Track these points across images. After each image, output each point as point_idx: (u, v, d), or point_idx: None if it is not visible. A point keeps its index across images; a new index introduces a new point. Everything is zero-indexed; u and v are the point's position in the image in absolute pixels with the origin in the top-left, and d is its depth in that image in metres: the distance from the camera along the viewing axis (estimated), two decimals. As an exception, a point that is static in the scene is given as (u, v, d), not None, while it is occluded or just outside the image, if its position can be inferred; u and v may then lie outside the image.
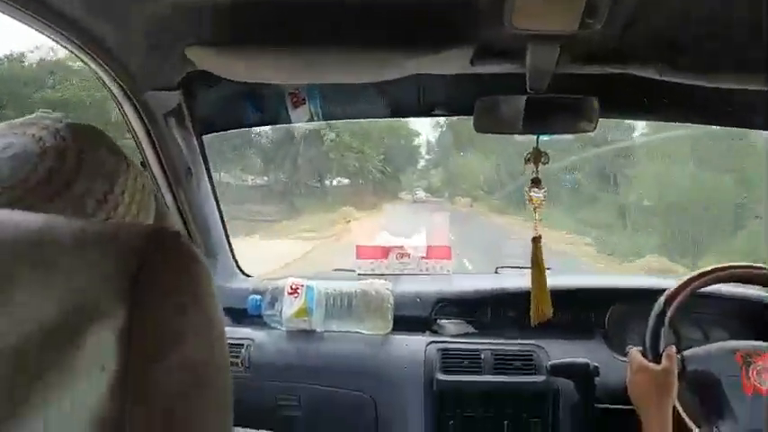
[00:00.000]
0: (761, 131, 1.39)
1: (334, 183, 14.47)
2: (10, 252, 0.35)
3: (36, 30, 0.79)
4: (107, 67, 0.92)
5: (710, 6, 0.80)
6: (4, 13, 0.72)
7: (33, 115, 0.55)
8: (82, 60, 0.89)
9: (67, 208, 0.49)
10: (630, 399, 1.12)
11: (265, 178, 12.00)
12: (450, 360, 1.33)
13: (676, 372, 1.09)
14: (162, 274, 0.37)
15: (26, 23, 0.76)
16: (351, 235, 9.58)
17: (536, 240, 1.21)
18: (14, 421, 0.32)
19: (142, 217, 0.58)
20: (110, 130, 0.59)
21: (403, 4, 0.84)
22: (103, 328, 0.34)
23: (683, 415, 1.07)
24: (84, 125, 0.55)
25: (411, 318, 1.46)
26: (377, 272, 1.68)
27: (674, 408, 1.06)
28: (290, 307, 1.37)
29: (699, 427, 1.08)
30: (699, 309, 1.30)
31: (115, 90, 0.99)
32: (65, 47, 0.84)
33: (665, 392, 1.06)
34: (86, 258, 0.36)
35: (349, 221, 10.92)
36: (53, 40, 0.81)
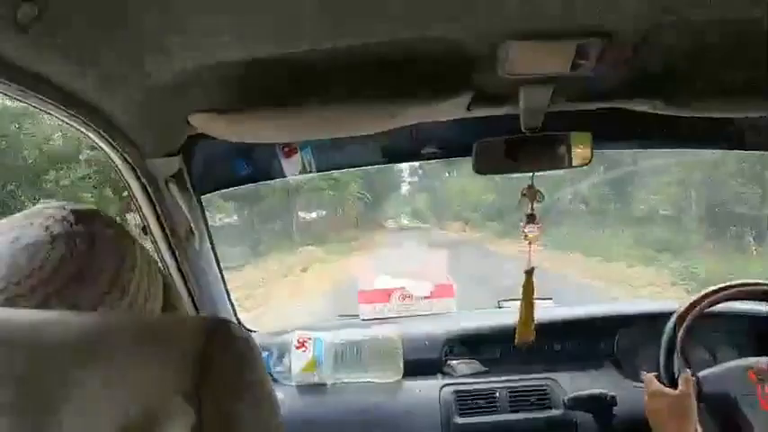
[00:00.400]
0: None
1: (310, 216, 13.87)
2: (69, 355, 0.34)
3: (33, 105, 0.79)
4: (110, 140, 0.92)
5: (701, 41, 0.83)
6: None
7: (35, 207, 0.55)
8: (83, 133, 0.88)
9: (84, 291, 0.49)
10: (651, 425, 1.11)
11: (235, 217, 11.41)
12: (466, 401, 1.32)
13: (694, 395, 1.09)
14: (226, 371, 0.37)
15: (22, 99, 0.75)
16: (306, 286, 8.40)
17: (529, 273, 1.23)
18: None
19: (153, 290, 0.58)
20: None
21: (399, 58, 0.86)
22: (173, 430, 0.33)
23: None
24: (87, 208, 0.56)
25: (421, 361, 1.44)
26: (380, 316, 1.67)
27: (696, 431, 1.06)
28: (298, 361, 1.35)
29: None
30: (706, 329, 1.32)
31: (117, 160, 0.98)
32: (66, 121, 0.83)
33: (686, 417, 1.06)
34: (147, 358, 0.35)
35: (305, 270, 9.53)
36: (53, 114, 0.81)
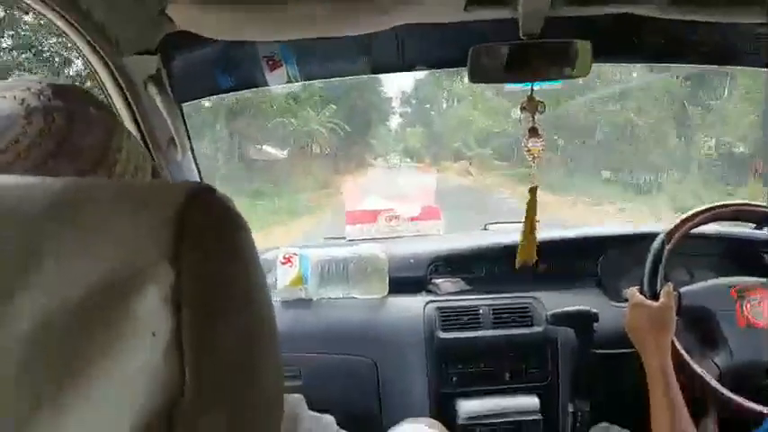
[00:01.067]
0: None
1: (269, 153, 12.03)
2: (44, 218, 0.32)
3: None
4: (84, 33, 0.85)
5: None
6: None
7: (10, 79, 0.51)
8: (56, 25, 0.81)
9: (64, 168, 0.47)
10: (629, 335, 1.14)
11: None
12: (449, 318, 1.34)
13: (674, 307, 1.12)
14: (206, 233, 0.36)
15: None
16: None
17: (532, 190, 1.20)
18: (61, 397, 0.29)
19: (140, 176, 0.55)
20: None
21: None
22: (150, 293, 0.32)
23: (681, 348, 1.10)
24: (67, 85, 0.52)
25: (406, 279, 1.45)
26: (367, 236, 1.66)
27: (672, 342, 1.09)
28: (284, 277, 1.35)
29: (695, 359, 1.11)
30: (686, 249, 1.33)
31: (91, 57, 0.91)
32: (38, 11, 0.77)
33: (664, 328, 1.09)
34: (125, 219, 0.34)
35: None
36: (30, 5, 0.74)
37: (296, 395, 0.74)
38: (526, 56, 1.03)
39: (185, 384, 0.33)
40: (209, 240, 0.35)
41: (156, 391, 0.32)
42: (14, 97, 0.48)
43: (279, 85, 1.39)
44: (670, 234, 1.19)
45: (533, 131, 1.10)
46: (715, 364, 1.13)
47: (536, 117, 1.09)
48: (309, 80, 1.45)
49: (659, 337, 1.08)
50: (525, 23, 0.98)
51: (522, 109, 1.09)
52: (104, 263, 0.32)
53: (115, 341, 0.31)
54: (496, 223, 1.76)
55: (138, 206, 0.34)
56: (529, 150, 1.12)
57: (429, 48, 1.34)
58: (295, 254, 1.36)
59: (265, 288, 0.40)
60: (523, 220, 1.21)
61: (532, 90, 1.08)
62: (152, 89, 1.03)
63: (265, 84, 1.37)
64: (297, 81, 1.39)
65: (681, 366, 1.08)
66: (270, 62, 1.34)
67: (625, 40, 1.17)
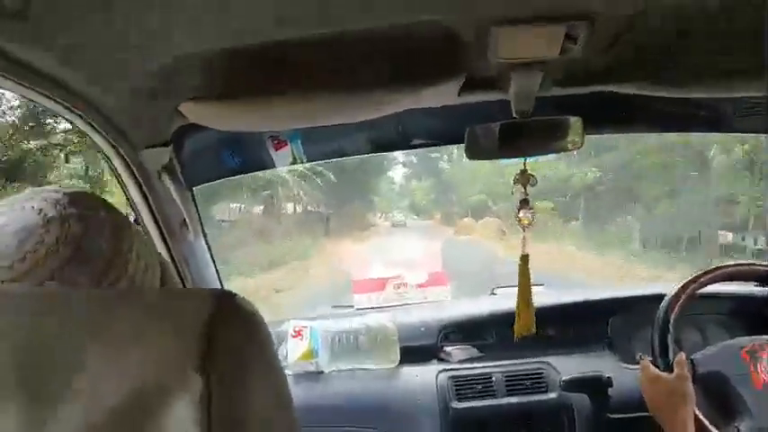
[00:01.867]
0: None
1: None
2: (81, 329, 0.34)
3: (24, 95, 0.78)
4: (101, 131, 0.91)
5: (688, 21, 0.84)
6: None
7: (27, 191, 0.55)
8: (72, 124, 0.88)
9: (80, 272, 0.49)
10: (650, 411, 1.12)
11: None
12: (463, 386, 1.33)
13: (690, 377, 1.10)
14: (235, 339, 0.37)
15: (13, 89, 0.75)
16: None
17: (524, 259, 1.23)
18: None
19: (150, 273, 0.58)
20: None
21: (389, 43, 0.86)
22: (182, 402, 0.33)
23: (704, 420, 1.07)
24: (80, 192, 0.55)
25: (417, 348, 1.46)
26: (375, 305, 1.68)
27: (695, 413, 1.07)
28: (295, 350, 1.35)
29: (718, 427, 1.08)
30: (695, 310, 1.34)
31: (108, 151, 0.98)
32: (56, 112, 0.83)
33: (684, 400, 1.07)
34: (154, 332, 0.35)
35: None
36: (45, 106, 0.80)
37: None
38: (519, 133, 1.08)
39: None
40: (237, 347, 0.37)
41: None
42: (32, 207, 0.51)
43: (284, 165, 1.46)
44: (674, 298, 1.20)
45: (524, 203, 1.15)
46: (738, 429, 1.11)
47: (527, 189, 1.14)
48: (314, 160, 1.52)
49: (680, 410, 1.06)
50: (517, 104, 1.05)
51: (516, 181, 1.14)
52: (135, 376, 0.33)
53: None
54: (504, 287, 1.77)
55: (165, 316, 0.36)
56: (520, 221, 1.16)
57: (428, 126, 1.41)
58: (305, 327, 1.38)
59: (289, 392, 0.42)
60: (517, 291, 1.23)
61: (525, 164, 1.13)
62: (165, 178, 1.09)
63: (272, 164, 1.43)
64: (302, 161, 1.45)
65: None
66: (275, 142, 1.41)
67: (614, 114, 1.23)
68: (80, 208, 0.52)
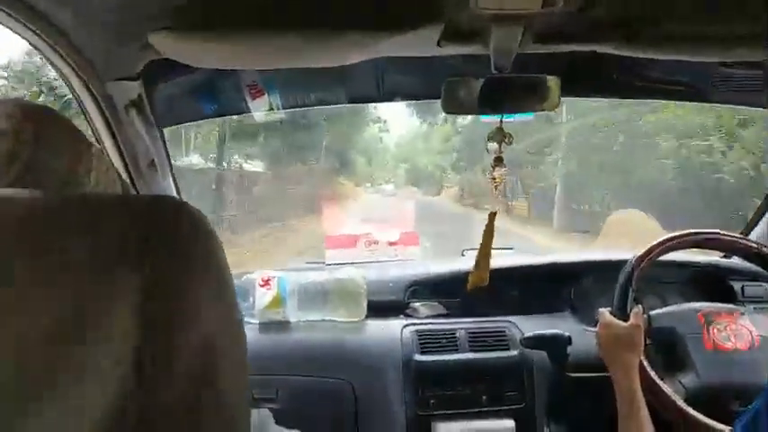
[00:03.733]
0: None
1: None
2: (11, 230, 0.33)
3: None
4: (66, 58, 0.87)
5: None
6: None
7: None
8: (38, 50, 0.84)
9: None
10: (600, 353, 1.18)
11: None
12: (427, 341, 1.35)
13: (643, 328, 1.16)
14: (173, 243, 0.36)
15: None
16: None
17: (491, 216, 1.24)
18: (39, 408, 0.30)
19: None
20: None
21: None
22: (121, 304, 0.33)
23: (649, 368, 1.13)
24: (36, 104, 0.52)
25: (384, 303, 1.47)
26: (346, 261, 1.68)
27: (641, 362, 1.12)
28: (262, 299, 1.36)
29: (663, 379, 1.15)
30: (658, 276, 1.38)
31: (74, 82, 0.94)
32: (21, 36, 0.79)
33: (633, 347, 1.13)
34: (94, 231, 0.34)
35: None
36: (11, 29, 0.76)
37: (264, 410, 0.74)
38: (497, 89, 1.08)
39: (143, 395, 0.33)
40: (176, 254, 0.36)
41: (115, 396, 0.32)
42: None
43: (261, 112, 1.43)
44: (640, 259, 1.24)
45: (498, 160, 1.15)
46: (682, 385, 1.16)
47: (502, 147, 1.14)
48: (291, 108, 1.50)
49: (628, 357, 1.11)
50: (496, 59, 1.04)
51: (490, 139, 1.14)
52: (78, 278, 0.33)
53: (93, 356, 0.32)
54: (474, 249, 1.79)
55: (106, 221, 0.35)
56: (494, 179, 1.16)
57: (407, 80, 1.40)
58: (273, 276, 1.38)
59: (233, 302, 0.41)
60: (474, 248, 1.24)
61: (501, 122, 1.12)
62: (133, 114, 1.06)
63: (248, 110, 1.41)
64: (279, 109, 1.43)
65: (649, 386, 1.11)
66: (252, 90, 1.38)
67: (593, 77, 1.23)
68: (34, 123, 0.49)
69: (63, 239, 0.34)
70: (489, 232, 1.23)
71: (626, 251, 1.40)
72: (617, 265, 1.30)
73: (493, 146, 1.18)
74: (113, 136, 1.06)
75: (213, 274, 0.39)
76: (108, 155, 1.09)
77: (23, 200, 0.36)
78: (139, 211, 0.36)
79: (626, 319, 1.18)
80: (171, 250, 0.36)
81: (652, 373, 1.13)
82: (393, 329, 1.38)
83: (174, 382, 0.35)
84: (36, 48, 0.83)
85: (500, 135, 1.16)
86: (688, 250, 1.39)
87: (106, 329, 0.33)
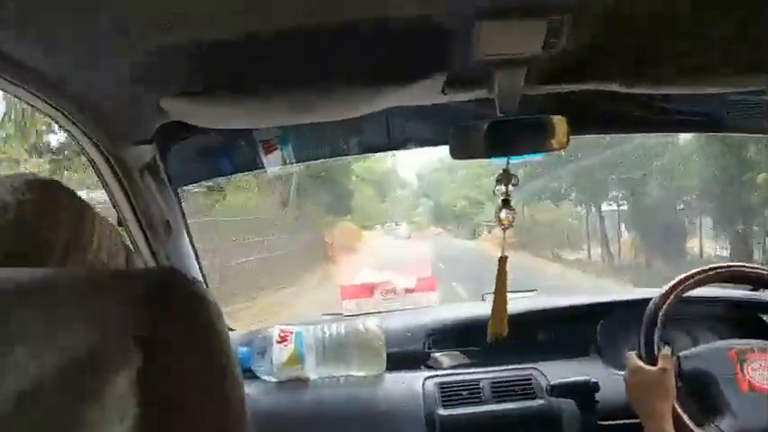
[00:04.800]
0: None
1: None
2: (13, 306, 0.33)
3: (3, 89, 0.77)
4: (80, 126, 0.90)
5: (674, 16, 0.84)
6: None
7: None
8: (52, 118, 0.87)
9: (33, 261, 0.47)
10: (630, 401, 1.12)
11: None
12: (450, 393, 1.31)
13: (673, 372, 1.10)
14: (173, 318, 0.36)
15: None
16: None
17: (502, 260, 1.21)
18: None
19: (112, 264, 0.56)
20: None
21: (372, 40, 0.86)
22: (121, 378, 0.32)
23: (683, 415, 1.07)
24: (42, 178, 0.54)
25: (404, 354, 1.44)
26: (364, 311, 1.66)
27: (674, 409, 1.06)
28: (280, 356, 1.33)
29: (699, 425, 1.08)
30: (686, 313, 1.32)
31: (89, 148, 0.97)
32: (36, 107, 0.82)
33: (664, 393, 1.07)
34: (95, 307, 0.34)
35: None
36: (23, 99, 0.79)
37: None
38: (504, 132, 1.08)
39: None
40: (178, 329, 0.36)
41: None
42: None
43: (275, 167, 1.45)
44: (663, 298, 1.20)
45: (506, 203, 1.14)
46: (720, 429, 1.09)
47: (509, 189, 1.13)
48: (304, 161, 1.52)
49: (659, 403, 1.05)
50: (502, 103, 1.05)
51: (498, 181, 1.13)
52: (75, 349, 0.32)
53: (85, 427, 0.31)
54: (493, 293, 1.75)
55: (108, 293, 0.35)
56: (501, 221, 1.15)
57: (418, 127, 1.42)
58: (291, 332, 1.36)
59: (235, 378, 0.40)
60: (493, 292, 1.21)
61: (508, 163, 1.12)
62: (147, 177, 1.08)
63: (262, 166, 1.43)
64: (292, 163, 1.45)
65: None
66: (266, 146, 1.41)
67: (600, 113, 1.23)
68: (38, 195, 0.51)
69: (71, 307, 0.34)
70: (502, 279, 1.20)
71: (650, 290, 1.36)
72: (643, 304, 1.25)
73: (500, 188, 1.17)
74: (129, 199, 1.08)
75: (226, 349, 0.38)
76: (124, 218, 1.11)
77: (20, 278, 0.36)
78: (145, 291, 0.36)
79: (654, 362, 1.12)
80: (175, 331, 0.35)
81: (686, 419, 1.06)
82: (414, 383, 1.34)
83: None
84: (49, 116, 0.86)
85: (507, 177, 1.15)
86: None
87: (104, 395, 0.32)
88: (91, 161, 1.01)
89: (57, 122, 0.89)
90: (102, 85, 0.87)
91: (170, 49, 0.82)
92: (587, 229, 13.58)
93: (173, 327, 0.36)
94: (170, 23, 0.76)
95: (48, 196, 0.52)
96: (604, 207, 12.92)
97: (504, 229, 1.15)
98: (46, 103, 0.82)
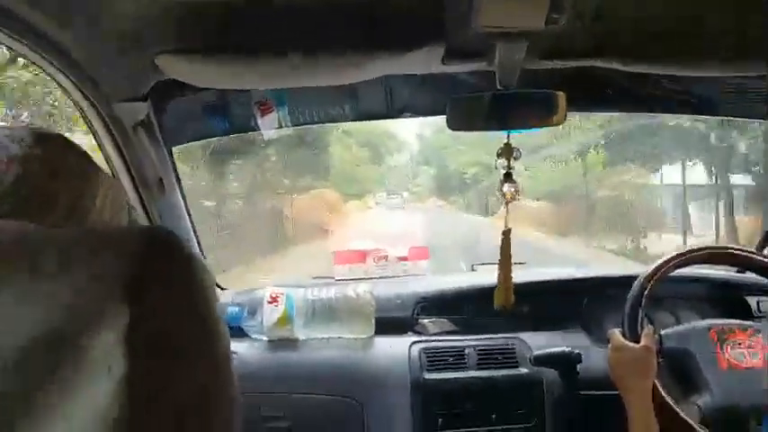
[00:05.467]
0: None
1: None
2: (3, 260, 0.34)
3: None
4: (74, 80, 0.89)
5: (672, 1, 0.83)
6: None
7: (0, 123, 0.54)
8: (46, 72, 0.86)
9: (36, 216, 0.47)
10: (612, 378, 1.15)
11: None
12: (435, 358, 1.34)
13: (655, 350, 1.13)
14: (162, 276, 0.37)
15: None
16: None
17: (506, 233, 1.22)
18: (17, 428, 0.31)
19: (114, 224, 0.57)
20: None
21: (372, 6, 0.84)
22: (108, 331, 0.33)
23: (663, 391, 1.10)
24: (48, 132, 0.54)
25: (393, 319, 1.46)
26: (355, 276, 1.68)
27: (654, 385, 1.09)
28: (270, 316, 1.35)
29: (677, 402, 1.11)
30: (671, 292, 1.35)
31: (82, 102, 0.96)
32: (28, 58, 0.81)
33: (645, 370, 1.10)
34: (82, 263, 0.35)
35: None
36: (15, 51, 0.78)
37: None
38: (503, 105, 1.07)
39: (134, 425, 0.33)
40: (167, 286, 0.37)
41: (106, 426, 0.33)
42: None
43: (271, 129, 1.44)
44: (649, 277, 1.21)
45: (508, 176, 1.14)
46: (697, 406, 1.13)
47: (511, 162, 1.13)
48: (300, 125, 1.50)
49: (640, 381, 1.08)
50: (502, 75, 1.04)
51: (499, 155, 1.13)
52: (62, 305, 0.33)
53: (72, 377, 0.32)
54: (484, 264, 1.77)
55: (95, 252, 0.36)
56: (504, 195, 1.15)
57: (417, 96, 1.40)
58: (281, 293, 1.38)
59: (222, 337, 0.41)
60: (498, 263, 1.23)
61: (509, 137, 1.12)
62: (141, 134, 1.07)
63: (257, 128, 1.42)
64: (288, 126, 1.44)
65: (662, 409, 1.08)
66: (262, 107, 1.39)
67: (599, 91, 1.23)
68: (44, 150, 0.51)
69: (59, 265, 0.35)
70: (506, 251, 1.21)
71: (637, 267, 1.38)
72: (630, 281, 1.27)
73: (502, 162, 1.17)
74: (122, 156, 1.08)
75: (202, 313, 0.39)
76: (117, 175, 1.11)
77: (17, 229, 0.37)
78: (131, 247, 0.36)
79: (637, 340, 1.14)
80: (161, 286, 0.36)
81: (666, 396, 1.10)
82: (401, 347, 1.37)
83: (163, 413, 0.35)
84: (42, 68, 0.85)
85: (508, 151, 1.15)
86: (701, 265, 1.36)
87: (91, 349, 0.33)
88: (83, 115, 1.00)
89: (50, 75, 0.87)
90: (96, 42, 0.86)
91: (166, 7, 0.80)
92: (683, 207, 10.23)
93: (162, 285, 0.37)
94: None
95: (54, 152, 0.51)
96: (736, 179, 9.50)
97: (506, 203, 1.16)
98: (40, 55, 0.81)
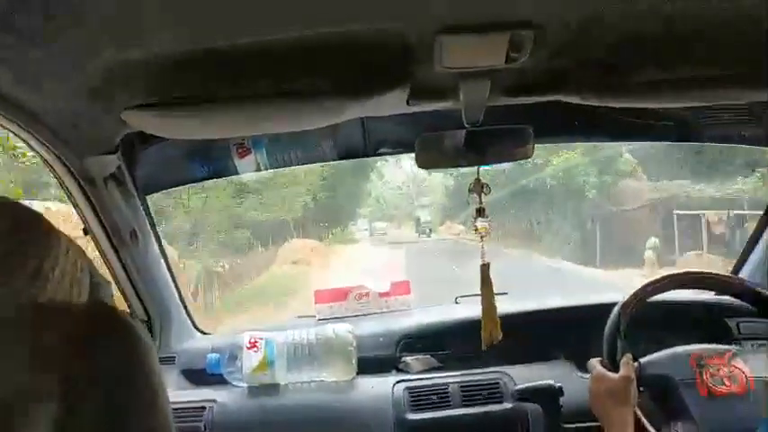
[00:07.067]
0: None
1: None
2: None
3: None
4: (42, 140, 0.89)
5: (633, 32, 0.86)
6: None
7: None
8: (10, 131, 0.86)
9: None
10: (592, 409, 1.13)
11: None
12: (419, 398, 1.32)
13: (634, 378, 1.11)
14: (102, 353, 0.36)
15: None
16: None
17: (484, 268, 1.23)
18: None
19: (75, 292, 0.56)
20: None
21: (335, 51, 0.86)
22: (45, 409, 0.33)
23: (644, 420, 1.09)
24: (10, 202, 0.53)
25: (375, 359, 1.45)
26: (337, 315, 1.66)
27: (636, 415, 1.08)
28: (249, 362, 1.33)
29: (659, 430, 1.10)
30: (652, 317, 1.35)
31: (49, 158, 0.96)
32: None
33: (624, 399, 1.08)
34: (23, 338, 0.35)
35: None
36: None
37: None
38: (471, 142, 1.09)
39: None
40: (104, 365, 0.36)
41: None
42: None
43: (248, 172, 1.45)
44: (626, 305, 1.21)
45: (481, 212, 1.15)
46: None
47: (482, 198, 1.14)
48: (279, 167, 1.51)
49: (620, 410, 1.07)
50: (467, 113, 1.06)
51: (470, 191, 1.14)
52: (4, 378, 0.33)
53: None
54: (468, 296, 1.77)
55: (42, 329, 0.36)
56: (477, 230, 1.16)
57: (394, 134, 1.42)
58: (260, 338, 1.36)
59: (162, 408, 0.40)
60: (480, 299, 1.23)
61: (479, 172, 1.13)
62: (112, 187, 1.07)
63: (235, 170, 1.42)
64: (266, 168, 1.44)
65: None
66: (239, 149, 1.40)
67: (563, 123, 1.25)
68: (6, 220, 0.50)
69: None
70: (487, 285, 1.22)
71: (617, 294, 1.38)
72: (609, 308, 1.27)
73: (474, 197, 1.19)
74: (94, 210, 1.07)
75: (142, 387, 0.38)
76: (91, 229, 1.10)
77: None
78: (71, 323, 0.36)
79: (617, 368, 1.14)
80: (100, 363, 0.36)
81: (647, 425, 1.08)
82: (384, 387, 1.35)
83: None
84: (9, 130, 0.85)
85: (479, 186, 1.17)
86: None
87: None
88: (53, 172, 1.00)
89: (17, 135, 0.87)
90: (64, 100, 0.86)
91: (128, 63, 0.81)
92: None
93: (100, 363, 0.36)
94: (127, 39, 0.76)
95: (19, 222, 0.51)
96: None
97: (481, 238, 1.17)
98: (7, 119, 0.81)
